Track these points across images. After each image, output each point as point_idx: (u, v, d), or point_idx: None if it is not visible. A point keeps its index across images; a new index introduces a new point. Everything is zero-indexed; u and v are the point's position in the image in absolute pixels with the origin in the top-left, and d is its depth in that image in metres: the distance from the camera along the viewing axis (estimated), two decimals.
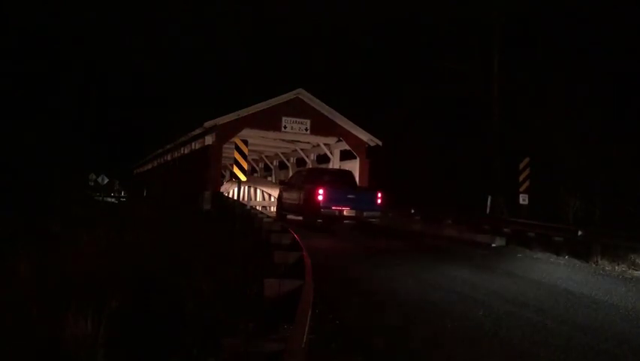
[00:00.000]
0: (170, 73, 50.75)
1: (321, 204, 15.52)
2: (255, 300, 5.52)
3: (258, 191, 33.14)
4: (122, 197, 43.05)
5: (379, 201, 16.91)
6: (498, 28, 24.04)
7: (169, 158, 33.49)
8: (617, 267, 12.00)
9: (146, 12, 51.34)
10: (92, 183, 49.48)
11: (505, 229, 15.68)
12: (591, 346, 6.00)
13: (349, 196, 16.13)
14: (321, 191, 15.62)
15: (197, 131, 24.09)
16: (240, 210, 15.43)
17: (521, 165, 17.21)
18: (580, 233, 13.14)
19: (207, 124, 22.38)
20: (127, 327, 5.09)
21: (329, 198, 15.55)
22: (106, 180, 50.06)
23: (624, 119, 17.62)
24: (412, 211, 19.89)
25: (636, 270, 11.65)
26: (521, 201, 17.06)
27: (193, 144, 26.24)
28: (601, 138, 17.84)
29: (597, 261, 12.43)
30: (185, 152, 28.38)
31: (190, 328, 5.02)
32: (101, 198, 36.17)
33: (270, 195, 31.92)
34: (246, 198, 32.19)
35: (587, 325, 6.89)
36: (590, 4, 20.07)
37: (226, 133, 22.22)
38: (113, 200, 38.35)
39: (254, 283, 6.22)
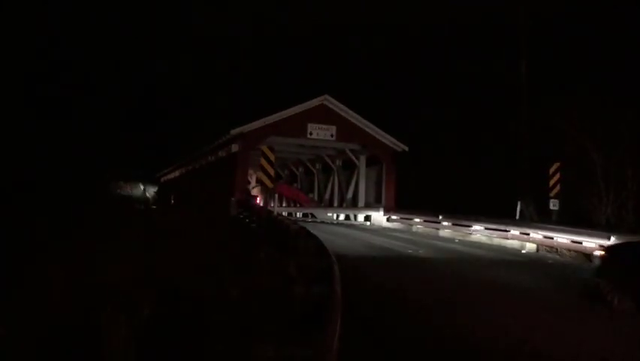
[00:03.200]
0: (195, 82, 51.48)
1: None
2: (283, 305, 5.51)
3: (284, 198, 33.24)
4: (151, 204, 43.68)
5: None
6: (525, 28, 23.76)
7: (196, 165, 33.87)
8: None
9: (172, 18, 52.25)
10: (120, 191, 50.65)
11: (536, 235, 15.38)
12: None
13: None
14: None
15: (224, 138, 24.32)
16: (267, 216, 15.49)
17: (551, 170, 16.90)
18: (612, 239, 12.80)
19: (234, 132, 22.59)
20: (159, 333, 5.13)
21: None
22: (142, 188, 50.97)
23: None
24: (440, 217, 19.66)
25: None
26: (552, 207, 16.75)
27: (220, 151, 26.48)
28: (633, 140, 17.39)
29: None
30: (212, 159, 28.66)
31: (220, 333, 5.03)
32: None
33: (295, 202, 32.00)
34: (271, 204, 32.33)
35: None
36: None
37: (252, 140, 22.38)
38: (141, 207, 38.90)
39: (282, 288, 6.21)
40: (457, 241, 17.69)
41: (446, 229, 19.16)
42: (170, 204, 38.66)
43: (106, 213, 16.51)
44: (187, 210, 24.38)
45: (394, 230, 21.40)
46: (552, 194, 16.73)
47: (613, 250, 9.30)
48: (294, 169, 35.07)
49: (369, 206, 25.75)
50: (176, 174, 42.98)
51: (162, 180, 50.71)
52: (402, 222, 22.43)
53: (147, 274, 7.01)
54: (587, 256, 13.56)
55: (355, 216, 26.25)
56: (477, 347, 5.79)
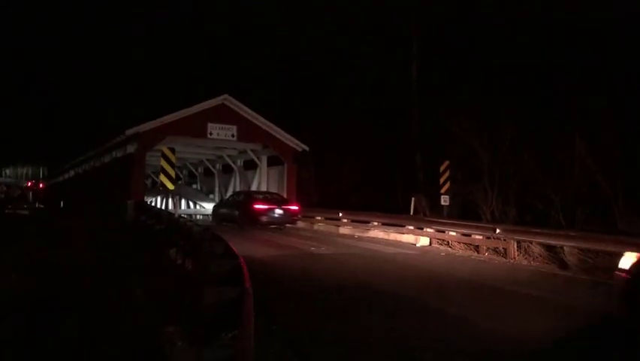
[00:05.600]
0: (89, 79, 48.98)
1: None
2: (194, 309, 5.50)
3: (183, 200, 32.48)
4: (38, 208, 40.82)
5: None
6: (417, 36, 25.24)
7: (88, 167, 32.26)
8: (532, 262, 12.82)
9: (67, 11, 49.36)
10: (2, 196, 46.70)
11: (429, 229, 16.32)
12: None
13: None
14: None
15: (119, 139, 23.35)
16: (167, 218, 15.13)
17: (441, 168, 17.92)
18: (498, 231, 13.91)
19: (129, 132, 21.73)
20: (52, 337, 4.94)
21: None
22: (18, 192, 47.35)
23: (539, 128, 18.54)
24: (340, 214, 20.26)
25: (549, 264, 12.53)
26: (442, 202, 17.79)
27: (115, 152, 25.37)
28: (516, 142, 18.84)
29: (515, 257, 13.22)
30: (107, 160, 27.41)
31: (129, 340, 4.95)
32: (12, 210, 34.14)
33: (195, 203, 31.40)
34: (170, 207, 31.48)
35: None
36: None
37: (149, 141, 21.67)
38: (26, 212, 36.32)
39: (191, 292, 6.18)
40: (356, 236, 18.33)
41: (346, 226, 19.77)
42: (60, 207, 36.52)
43: None
44: (80, 214, 23.18)
45: (297, 228, 21.65)
46: (443, 190, 17.77)
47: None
48: (194, 170, 34.40)
49: None
50: (65, 176, 40.62)
51: (52, 182, 47.69)
52: (304, 221, 22.76)
53: (38, 279, 6.69)
54: (476, 247, 14.64)
55: None
56: None
